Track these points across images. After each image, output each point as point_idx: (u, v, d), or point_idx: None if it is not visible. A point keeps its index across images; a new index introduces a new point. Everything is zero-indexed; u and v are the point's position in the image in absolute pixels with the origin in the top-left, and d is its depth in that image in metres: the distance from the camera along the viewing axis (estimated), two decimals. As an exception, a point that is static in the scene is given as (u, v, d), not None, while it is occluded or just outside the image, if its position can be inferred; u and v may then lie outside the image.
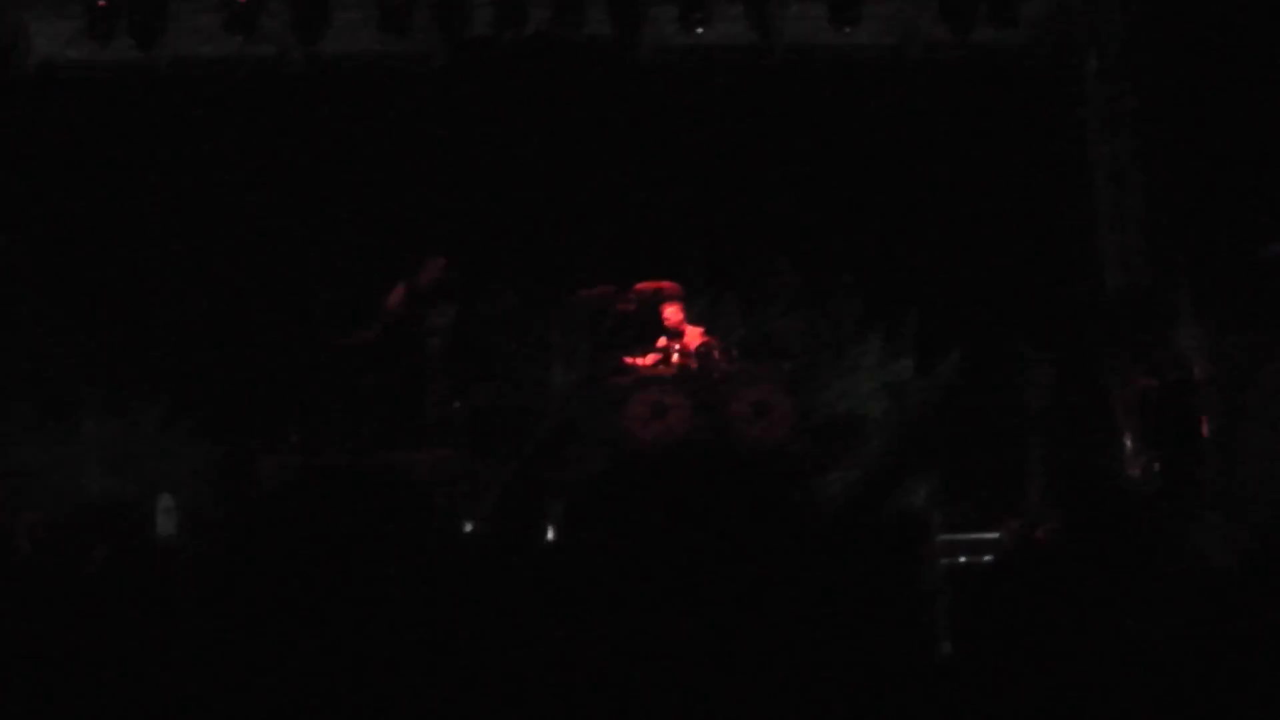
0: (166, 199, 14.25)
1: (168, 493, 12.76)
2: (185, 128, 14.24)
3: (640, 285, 12.79)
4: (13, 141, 13.99)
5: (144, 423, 13.42)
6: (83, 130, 14.31)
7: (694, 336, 12.56)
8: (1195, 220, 13.51)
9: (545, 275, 13.42)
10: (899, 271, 13.85)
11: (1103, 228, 14.46)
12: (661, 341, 12.56)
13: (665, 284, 12.79)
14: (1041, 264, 14.23)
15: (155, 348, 13.81)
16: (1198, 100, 13.44)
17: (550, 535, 3.33)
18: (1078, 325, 13.94)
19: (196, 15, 13.79)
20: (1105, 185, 14.49)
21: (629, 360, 12.50)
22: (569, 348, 12.78)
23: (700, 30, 13.80)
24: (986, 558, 10.98)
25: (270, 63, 14.05)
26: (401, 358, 12.40)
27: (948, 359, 13.26)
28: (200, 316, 13.98)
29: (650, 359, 12.50)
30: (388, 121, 14.14)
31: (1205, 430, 12.27)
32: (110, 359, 13.51)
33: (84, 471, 13.08)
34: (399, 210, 13.87)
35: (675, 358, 12.46)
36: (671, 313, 12.72)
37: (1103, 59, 14.51)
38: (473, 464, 11.51)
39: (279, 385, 13.46)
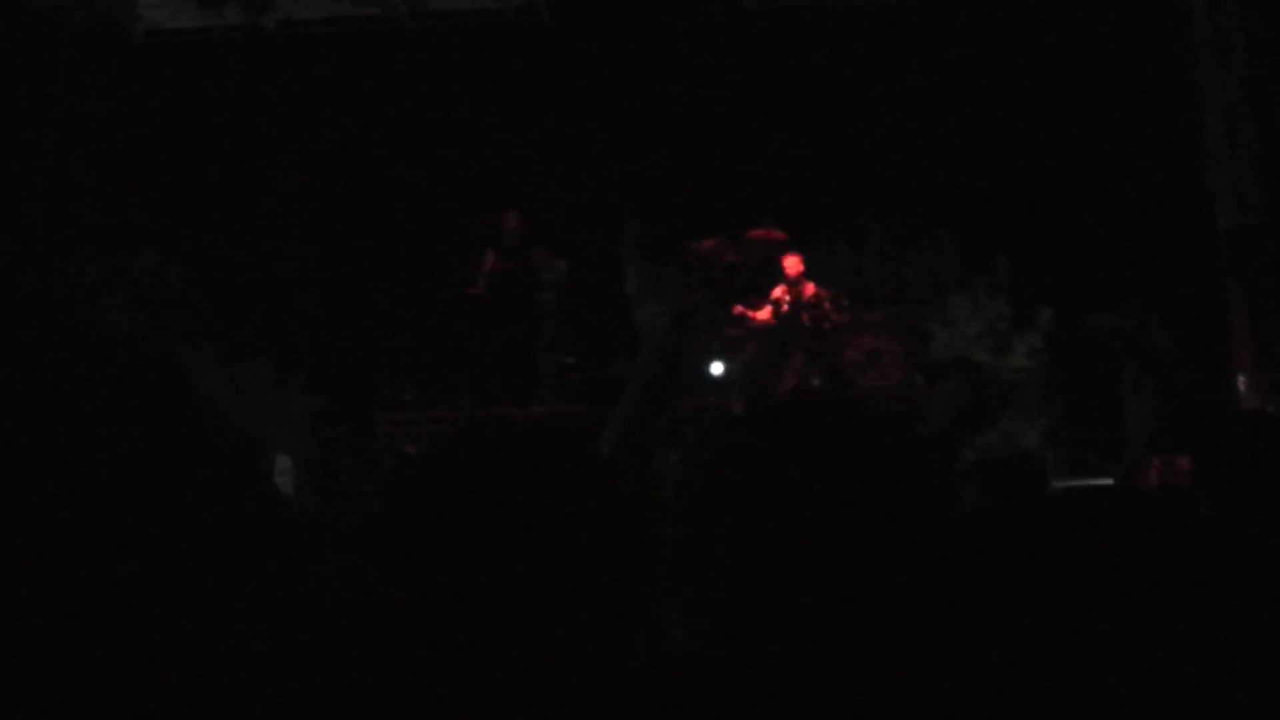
0: (273, 161, 14.43)
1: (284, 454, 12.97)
2: (292, 92, 14.39)
3: (750, 234, 12.78)
4: (122, 108, 14.19)
5: (254, 383, 13.64)
6: (191, 97, 14.50)
7: (804, 286, 12.55)
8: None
9: (653, 227, 13.43)
10: (1000, 215, 13.71)
11: (1214, 164, 14.22)
12: (775, 292, 12.55)
13: (774, 233, 12.78)
14: (1150, 201, 14.03)
15: (264, 308, 14.00)
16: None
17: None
18: (1190, 264, 13.76)
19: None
20: (1216, 119, 14.24)
21: (741, 310, 12.53)
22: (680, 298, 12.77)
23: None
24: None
25: (377, 22, 14.11)
26: (513, 314, 12.46)
27: (1044, 307, 13.15)
28: (309, 277, 14.16)
29: (764, 309, 12.51)
30: (495, 75, 14.20)
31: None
32: (221, 319, 13.69)
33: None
34: (509, 165, 13.94)
35: (785, 307, 12.46)
36: (787, 262, 12.73)
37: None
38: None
39: (389, 343, 13.62)
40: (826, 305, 12.35)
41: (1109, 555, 1.96)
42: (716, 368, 12.23)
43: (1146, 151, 14.23)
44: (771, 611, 1.93)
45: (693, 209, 13.32)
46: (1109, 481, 11.61)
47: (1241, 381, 13.05)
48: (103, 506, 1.50)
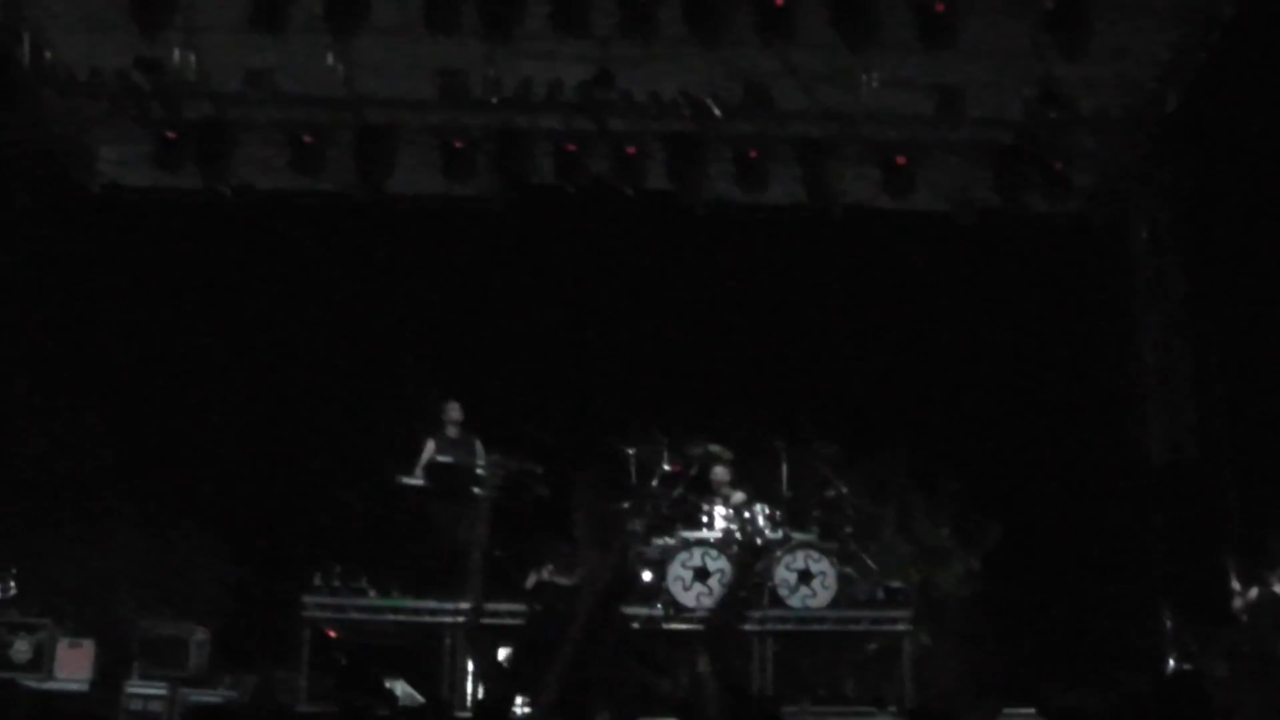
0: (220, 323, 14.44)
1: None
2: (245, 255, 14.44)
3: (691, 445, 12.82)
4: (75, 259, 14.18)
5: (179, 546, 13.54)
6: (144, 251, 14.51)
7: (739, 500, 12.60)
8: (1239, 393, 13.53)
9: (591, 425, 13.49)
10: (943, 439, 13.88)
11: (1150, 398, 14.46)
12: (707, 504, 12.59)
13: (714, 446, 12.82)
14: (1088, 434, 14.25)
15: (195, 472, 13.92)
16: (1246, 274, 13.50)
17: None
18: (1124, 498, 13.94)
19: (264, 148, 14.00)
20: (1152, 354, 14.51)
21: (673, 520, 12.54)
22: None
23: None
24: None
25: (333, 198, 14.19)
26: (448, 506, 12.42)
27: (989, 530, 13.26)
28: (243, 445, 14.10)
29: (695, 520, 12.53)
30: (445, 261, 14.30)
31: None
32: (153, 477, 13.61)
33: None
34: (451, 350, 14.01)
35: (719, 521, 12.49)
36: (719, 474, 12.77)
37: (1152, 231, 14.59)
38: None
39: (318, 521, 13.56)
40: (761, 520, 12.39)
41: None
42: (645, 576, 12.22)
43: (1087, 381, 14.49)
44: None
45: (636, 414, 13.38)
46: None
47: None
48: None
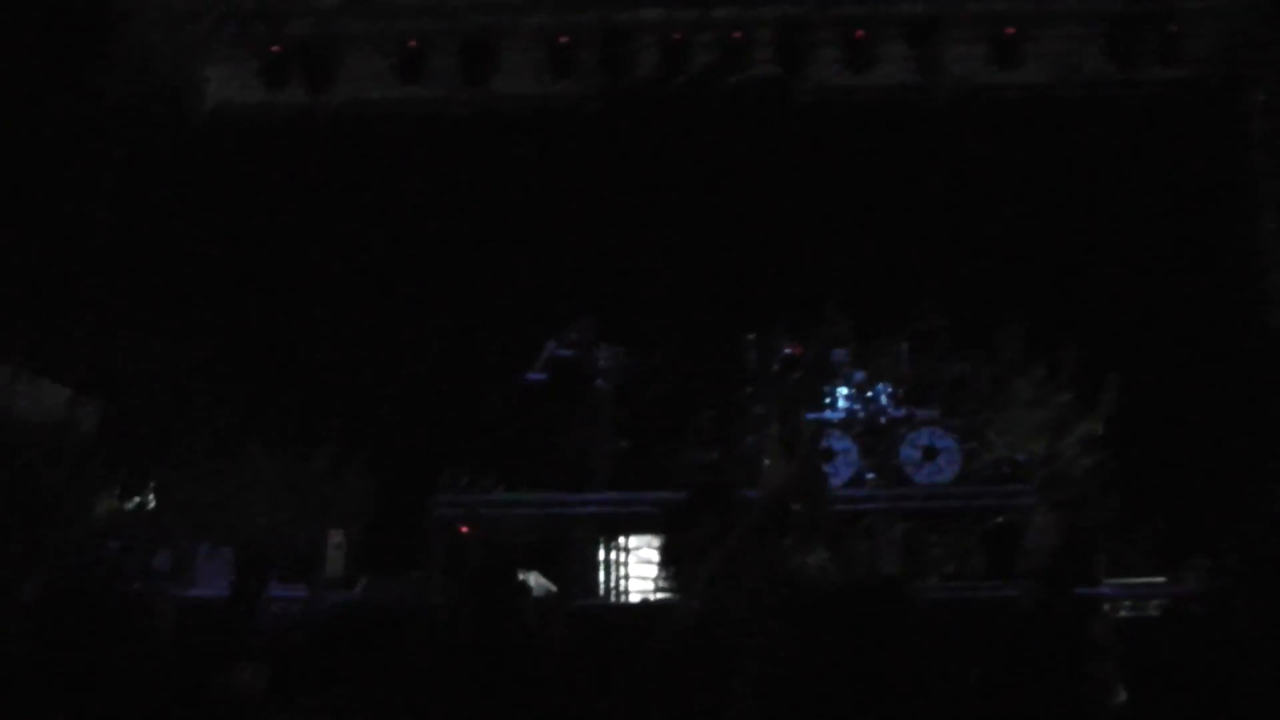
0: (336, 235, 14.55)
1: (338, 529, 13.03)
2: (356, 167, 14.53)
3: (809, 328, 12.80)
4: (187, 184, 14.35)
5: (310, 455, 13.70)
6: (255, 173, 14.65)
7: (860, 379, 12.55)
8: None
9: (713, 318, 13.49)
10: (1061, 310, 13.73)
11: (1269, 266, 14.25)
12: (828, 385, 12.56)
13: (834, 327, 12.81)
14: (1206, 303, 14.05)
15: (326, 385, 14.07)
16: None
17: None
18: (1244, 364, 13.76)
19: (369, 59, 14.08)
20: (1271, 222, 14.27)
21: (796, 403, 12.50)
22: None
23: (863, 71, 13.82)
24: (1155, 604, 10.98)
25: (438, 104, 14.24)
26: (570, 400, 12.48)
27: (1107, 395, 13.11)
28: (367, 354, 14.24)
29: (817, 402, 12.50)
30: (550, 164, 14.31)
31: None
32: (281, 395, 13.76)
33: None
34: (562, 255, 14.04)
35: (842, 401, 12.46)
36: (839, 355, 12.73)
37: (1269, 94, 14.31)
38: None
39: (446, 426, 13.67)
40: (883, 398, 12.35)
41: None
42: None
43: (1203, 250, 14.29)
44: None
45: (755, 298, 13.36)
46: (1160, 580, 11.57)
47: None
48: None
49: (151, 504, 12.88)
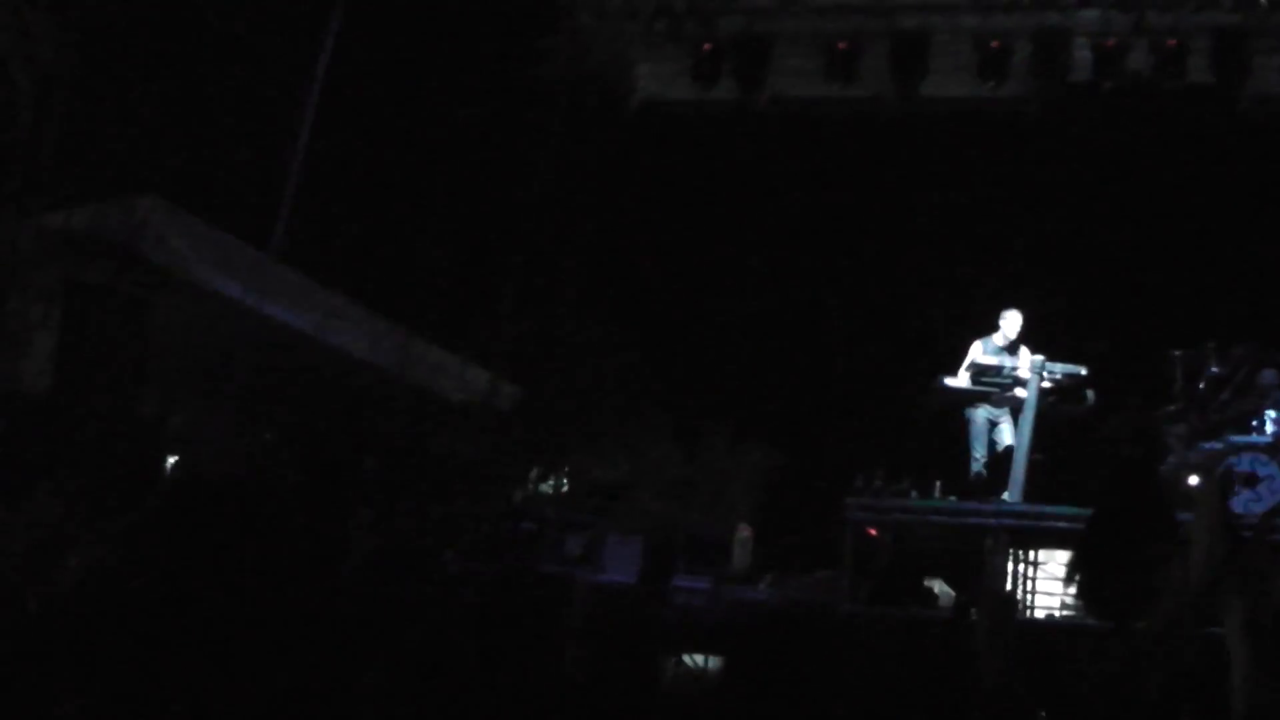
0: (755, 230, 14.78)
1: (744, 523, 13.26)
2: (780, 164, 14.70)
3: (1238, 347, 12.33)
4: (615, 173, 14.80)
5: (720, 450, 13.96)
6: (681, 163, 14.99)
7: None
8: None
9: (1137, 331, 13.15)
10: None
11: None
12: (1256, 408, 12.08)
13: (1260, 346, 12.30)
14: None
15: (735, 379, 14.31)
16: None
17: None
18: None
19: (797, 58, 14.22)
20: None
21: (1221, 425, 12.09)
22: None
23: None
24: None
25: (867, 104, 14.26)
26: (990, 408, 12.36)
27: None
28: (782, 351, 14.43)
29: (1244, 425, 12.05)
30: (977, 167, 14.19)
31: None
32: (695, 388, 14.05)
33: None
34: (997, 252, 13.90)
35: (1270, 425, 11.98)
36: (1268, 377, 12.23)
37: None
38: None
39: (860, 422, 13.74)
40: (1315, 425, 11.81)
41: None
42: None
43: None
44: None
45: (1174, 317, 12.96)
46: None
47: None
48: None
49: (565, 488, 13.36)
